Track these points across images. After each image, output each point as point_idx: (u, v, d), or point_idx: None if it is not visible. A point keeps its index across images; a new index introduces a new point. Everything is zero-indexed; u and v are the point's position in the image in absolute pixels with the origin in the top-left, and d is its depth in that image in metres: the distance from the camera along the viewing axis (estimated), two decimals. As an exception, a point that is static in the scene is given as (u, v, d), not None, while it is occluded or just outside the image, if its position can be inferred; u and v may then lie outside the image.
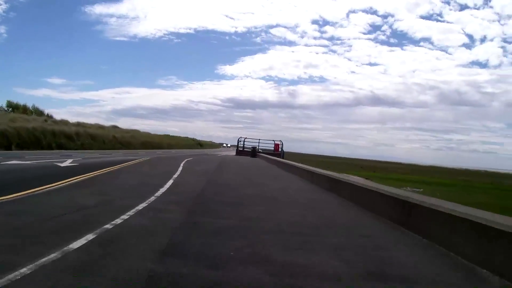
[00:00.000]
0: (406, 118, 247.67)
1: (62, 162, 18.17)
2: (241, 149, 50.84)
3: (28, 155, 22.61)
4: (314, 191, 12.82)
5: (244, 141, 50.52)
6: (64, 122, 44.32)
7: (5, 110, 48.22)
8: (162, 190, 10.15)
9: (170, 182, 12.34)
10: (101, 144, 41.63)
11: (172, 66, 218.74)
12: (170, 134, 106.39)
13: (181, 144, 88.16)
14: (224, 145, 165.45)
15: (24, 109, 48.95)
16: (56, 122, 41.56)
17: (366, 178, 21.67)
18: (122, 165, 18.66)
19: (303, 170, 18.20)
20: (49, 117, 50.03)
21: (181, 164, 21.32)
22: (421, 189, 32.77)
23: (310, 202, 10.31)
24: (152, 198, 8.64)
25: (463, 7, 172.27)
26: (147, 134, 69.99)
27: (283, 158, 47.12)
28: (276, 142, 51.10)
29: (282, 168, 23.98)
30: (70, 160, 19.46)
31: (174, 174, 14.85)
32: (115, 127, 62.20)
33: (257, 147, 48.87)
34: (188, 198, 9.15)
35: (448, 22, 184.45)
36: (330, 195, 11.43)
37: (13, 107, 49.68)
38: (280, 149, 50.28)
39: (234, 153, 58.22)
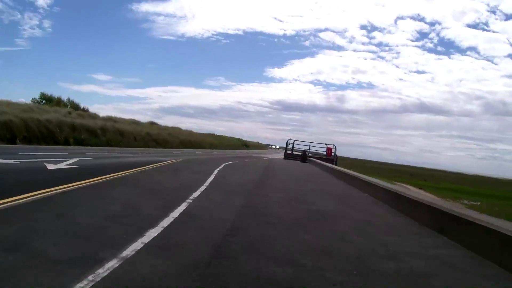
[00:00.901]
0: (452, 126, 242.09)
1: (58, 163, 13.50)
2: (290, 152, 45.05)
3: (27, 151, 18.09)
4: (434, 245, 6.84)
5: (293, 144, 44.69)
6: (92, 116, 40.34)
7: (38, 103, 45.17)
8: (147, 237, 4.64)
9: (179, 209, 6.85)
10: (131, 141, 37.30)
11: (220, 67, 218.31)
12: (216, 134, 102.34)
13: (225, 144, 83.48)
14: (273, 146, 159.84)
15: (58, 102, 46.02)
16: (81, 115, 37.43)
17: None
18: (134, 170, 13.62)
19: (377, 187, 12.31)
20: (85, 111, 46.97)
21: (215, 171, 16.04)
22: (478, 203, 29.94)
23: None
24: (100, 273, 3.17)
25: (508, 17, 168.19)
26: (189, 132, 65.63)
27: (336, 164, 41.18)
28: (328, 145, 44.92)
29: (343, 179, 18.03)
30: (71, 161, 14.64)
31: (195, 191, 9.57)
32: (152, 123, 58.24)
33: (308, 150, 42.81)
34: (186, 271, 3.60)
35: (494, 32, 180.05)
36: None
37: (47, 100, 46.81)
38: (333, 154, 44.17)
39: (282, 156, 52.79)
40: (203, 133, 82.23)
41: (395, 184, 22.16)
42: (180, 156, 27.47)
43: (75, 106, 47.58)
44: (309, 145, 44.25)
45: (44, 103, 44.79)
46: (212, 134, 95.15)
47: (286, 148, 44.96)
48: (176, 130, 60.48)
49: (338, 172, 20.87)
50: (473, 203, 29.56)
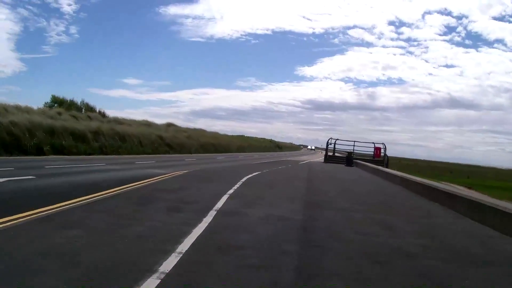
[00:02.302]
0: (482, 120, 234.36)
1: None
2: (331, 154, 37.55)
3: None
4: None
5: (335, 144, 37.06)
6: (98, 117, 34.15)
7: (49, 106, 39.86)
8: None
9: None
10: (135, 146, 30.74)
11: (250, 67, 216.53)
12: (246, 135, 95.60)
13: (255, 146, 76.48)
14: (309, 147, 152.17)
15: (70, 105, 40.66)
16: (76, 117, 30.96)
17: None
18: (82, 200, 6.65)
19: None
20: (102, 114, 41.75)
21: (227, 194, 9.36)
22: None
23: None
24: None
25: None
26: (213, 135, 58.79)
27: (387, 166, 33.43)
28: (377, 145, 37.12)
29: (416, 191, 10.78)
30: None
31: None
32: (170, 125, 51.74)
33: (352, 151, 35.10)
34: None
35: None
36: None
37: (59, 103, 42.19)
38: (382, 154, 36.43)
39: (320, 159, 45.33)
40: (229, 135, 75.50)
41: (443, 184, 15.92)
42: (191, 166, 20.69)
43: (90, 109, 42.52)
44: (353, 145, 36.60)
45: (55, 106, 39.41)
46: (242, 136, 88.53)
47: (326, 150, 37.32)
48: (197, 132, 53.81)
49: (409, 183, 13.68)
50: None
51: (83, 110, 41.40)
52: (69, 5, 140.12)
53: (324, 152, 41.49)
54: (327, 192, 12.16)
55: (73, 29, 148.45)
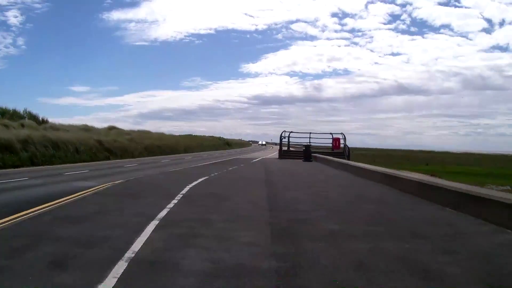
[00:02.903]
0: (432, 105, 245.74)
1: None
2: (286, 148, 34.83)
3: None
4: None
5: (289, 137, 34.33)
6: (33, 125, 30.23)
7: None
8: None
9: None
10: (70, 154, 26.94)
11: (196, 67, 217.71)
12: (194, 134, 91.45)
13: (205, 145, 72.66)
14: (260, 142, 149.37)
15: (12, 114, 37.46)
16: (7, 125, 26.96)
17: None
18: None
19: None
20: (43, 122, 39.33)
21: (156, 220, 6.40)
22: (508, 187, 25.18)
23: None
24: None
25: None
26: (159, 136, 54.66)
27: (349, 158, 31.23)
28: (335, 135, 34.89)
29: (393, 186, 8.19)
30: None
31: None
32: (112, 128, 47.39)
33: (309, 144, 32.46)
34: None
35: (466, 7, 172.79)
36: None
37: (1, 113, 38.14)
38: (342, 145, 34.21)
39: (274, 155, 42.66)
40: (176, 135, 71.32)
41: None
42: (129, 173, 17.61)
43: (33, 117, 39.69)
44: (309, 137, 34.06)
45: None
46: (190, 135, 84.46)
47: (280, 144, 34.48)
48: (142, 135, 49.62)
49: (390, 179, 11.07)
50: (501, 187, 24.23)
51: (26, 119, 38.13)
52: (15, 16, 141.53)
53: (277, 147, 38.85)
54: (296, 202, 9.13)
55: (20, 41, 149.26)
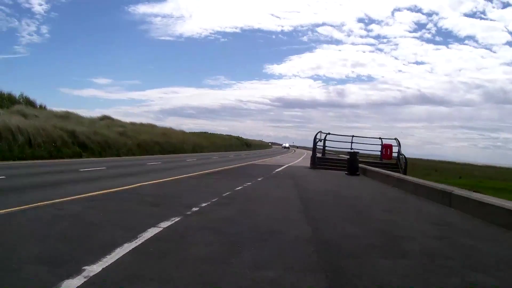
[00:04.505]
0: (453, 116, 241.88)
1: None
2: (320, 155, 25.91)
3: None
4: None
5: (325, 140, 25.30)
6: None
7: None
8: None
9: None
10: (20, 147, 19.84)
11: (220, 66, 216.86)
12: (210, 132, 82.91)
13: (220, 144, 64.14)
14: (284, 145, 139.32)
15: (8, 99, 33.12)
16: None
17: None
18: None
19: None
20: (42, 108, 35.76)
21: None
22: None
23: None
24: None
25: (505, 5, 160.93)
26: (164, 131, 46.16)
27: (405, 172, 22.37)
28: (385, 141, 26.00)
29: None
30: None
31: None
32: (105, 118, 39.62)
33: (354, 150, 23.26)
34: None
35: (491, 20, 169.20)
36: None
37: None
38: (394, 155, 25.35)
39: (301, 160, 33.99)
40: (189, 132, 62.91)
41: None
42: (70, 187, 8.85)
43: (30, 103, 35.40)
44: (351, 142, 25.04)
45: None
46: (204, 132, 75.83)
47: (314, 149, 25.34)
48: (141, 128, 41.55)
49: None
50: None
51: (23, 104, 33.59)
52: (40, 4, 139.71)
53: (300, 151, 29.97)
54: None
55: (44, 29, 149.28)
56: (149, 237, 5.03)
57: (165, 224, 5.77)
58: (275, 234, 5.45)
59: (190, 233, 5.36)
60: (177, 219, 6.22)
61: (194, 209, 7.26)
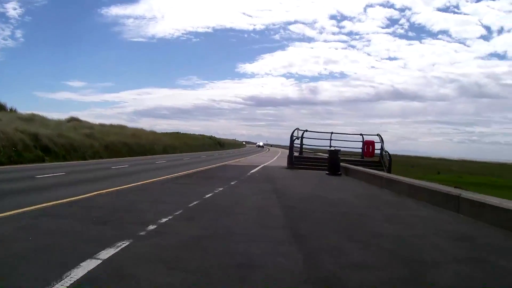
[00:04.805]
0: (427, 111, 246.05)
1: None
2: (298, 154, 24.52)
3: None
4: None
5: (302, 137, 23.91)
6: None
7: None
8: None
9: None
10: (1, 154, 19.10)
11: (192, 66, 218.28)
12: (182, 132, 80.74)
13: (192, 145, 62.38)
14: (258, 144, 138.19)
15: None
16: None
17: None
18: None
19: None
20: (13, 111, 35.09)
21: None
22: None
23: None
24: None
25: None
26: (134, 132, 44.14)
27: (390, 170, 21.41)
28: (367, 137, 24.94)
29: None
30: None
31: None
32: (72, 119, 37.49)
33: (334, 148, 21.86)
34: None
35: (465, 14, 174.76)
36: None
37: None
38: (377, 152, 24.32)
39: (276, 159, 32.70)
40: (160, 133, 60.99)
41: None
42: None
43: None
44: (330, 139, 23.80)
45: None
46: (176, 133, 73.64)
47: (291, 148, 23.91)
48: (109, 129, 39.49)
49: None
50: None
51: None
52: (15, 9, 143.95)
53: (274, 149, 28.59)
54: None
55: (18, 33, 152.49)
56: (80, 276, 3.52)
57: (106, 254, 4.26)
58: (256, 269, 3.95)
59: (136, 270, 3.81)
60: (124, 244, 4.70)
61: (151, 227, 5.73)
